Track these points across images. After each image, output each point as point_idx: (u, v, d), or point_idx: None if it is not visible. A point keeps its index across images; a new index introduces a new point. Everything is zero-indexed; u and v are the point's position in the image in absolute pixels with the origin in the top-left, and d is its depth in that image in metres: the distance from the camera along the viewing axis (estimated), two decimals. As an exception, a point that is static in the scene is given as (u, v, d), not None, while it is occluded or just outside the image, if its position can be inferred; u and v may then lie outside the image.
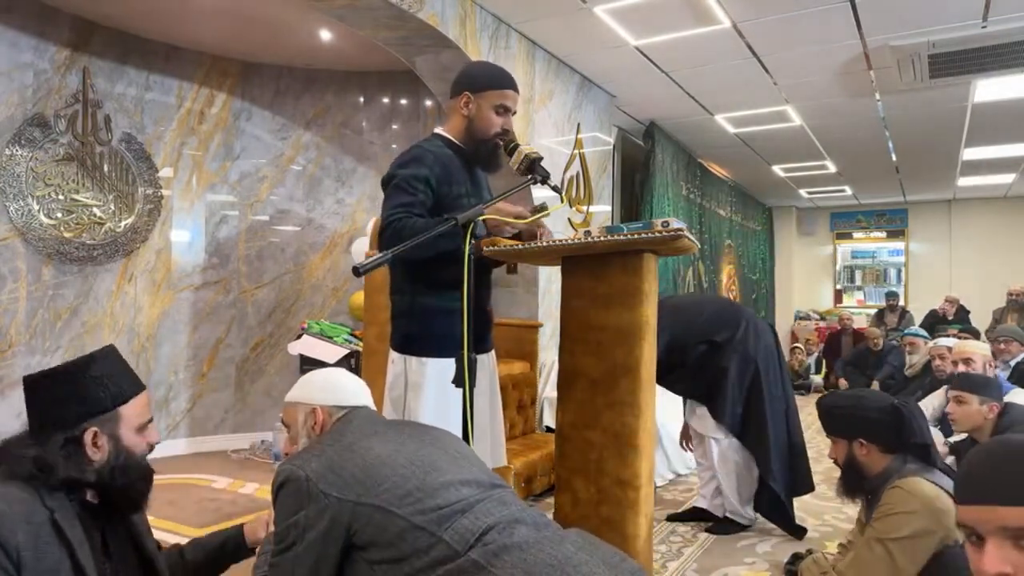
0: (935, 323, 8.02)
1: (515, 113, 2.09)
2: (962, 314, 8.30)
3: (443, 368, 1.93)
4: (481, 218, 1.78)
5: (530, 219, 1.97)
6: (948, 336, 5.68)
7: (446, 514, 1.32)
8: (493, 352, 2.19)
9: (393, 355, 2.05)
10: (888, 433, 1.97)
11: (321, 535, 1.33)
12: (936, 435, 2.84)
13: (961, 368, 3.36)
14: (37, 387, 1.41)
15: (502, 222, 1.95)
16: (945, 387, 3.64)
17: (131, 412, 1.46)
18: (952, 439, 3.12)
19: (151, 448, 1.50)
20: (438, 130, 2.13)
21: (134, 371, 1.54)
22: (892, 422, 1.97)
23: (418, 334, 2.00)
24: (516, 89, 2.08)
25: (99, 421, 1.40)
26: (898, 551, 1.79)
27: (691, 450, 3.54)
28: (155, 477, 1.53)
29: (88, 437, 1.39)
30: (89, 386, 1.41)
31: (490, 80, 2.05)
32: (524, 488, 3.73)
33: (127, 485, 1.42)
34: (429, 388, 1.96)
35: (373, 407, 1.69)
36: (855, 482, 2.03)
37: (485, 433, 2.03)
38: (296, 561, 1.34)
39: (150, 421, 1.51)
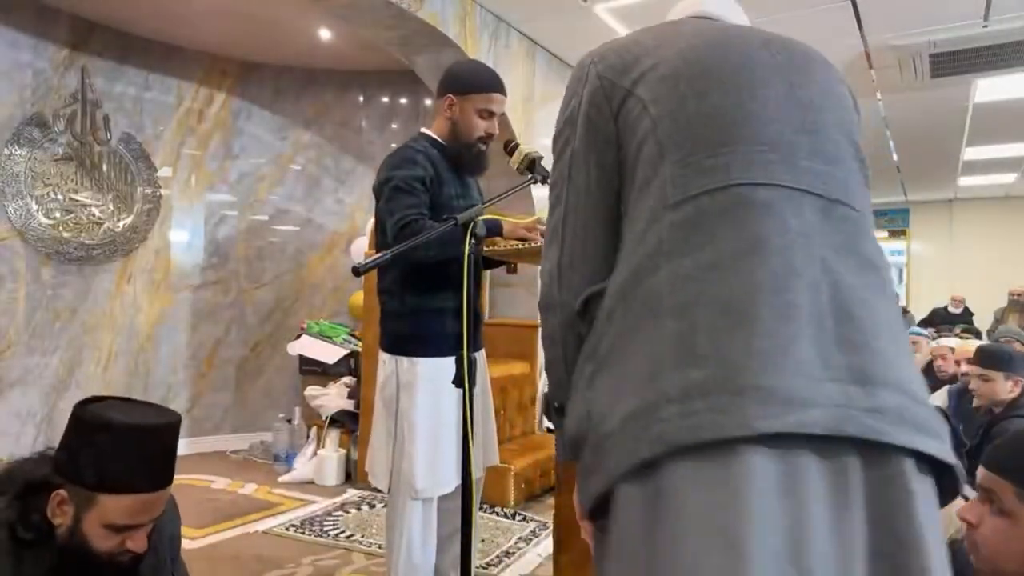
0: (937, 318, 8.00)
1: (502, 114, 2.05)
2: (966, 315, 8.30)
3: (434, 367, 1.93)
4: (484, 218, 1.76)
5: (533, 218, 1.97)
6: (952, 336, 5.67)
7: None
8: (483, 351, 2.20)
9: (383, 356, 2.04)
10: None
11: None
12: None
13: (964, 368, 3.35)
14: (72, 416, 1.26)
15: (518, 229, 1.94)
16: (947, 387, 3.63)
17: (113, 507, 1.20)
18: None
19: (127, 555, 1.24)
20: (424, 130, 2.09)
21: (169, 464, 1.32)
22: None
23: (408, 334, 1.99)
24: (503, 91, 2.03)
25: (75, 491, 1.21)
26: None
27: None
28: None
29: (55, 497, 1.22)
30: (82, 450, 1.22)
31: (474, 83, 2.00)
32: (524, 488, 3.72)
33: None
34: (421, 388, 1.95)
35: None
36: None
37: (478, 432, 2.02)
38: None
39: (140, 528, 1.25)
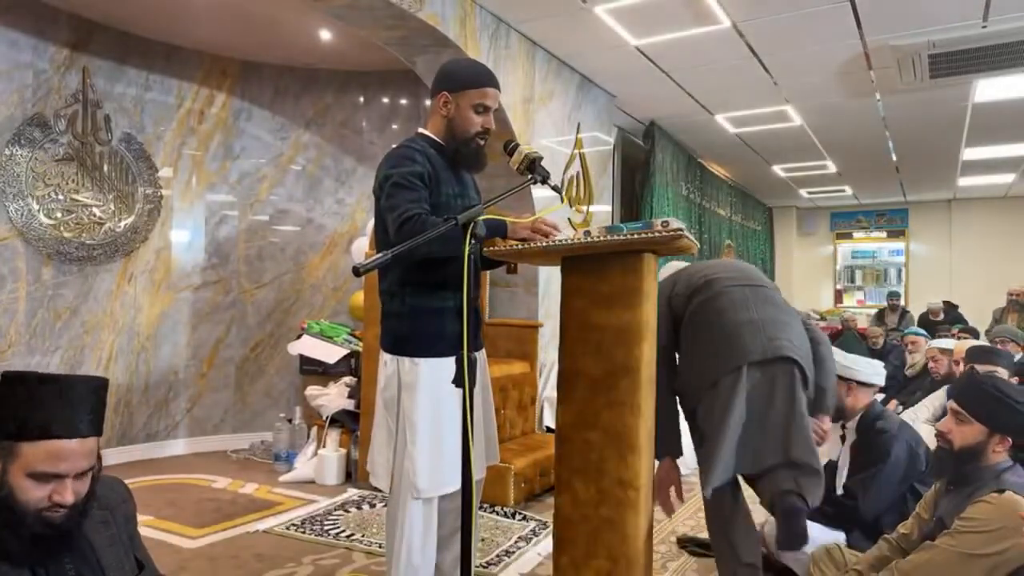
0: (928, 324, 8.01)
1: (497, 109, 2.05)
2: (953, 314, 8.30)
3: (436, 368, 1.94)
4: (485, 217, 1.76)
5: (532, 218, 1.97)
6: (949, 336, 5.68)
7: None
8: (484, 350, 2.21)
9: (385, 356, 2.04)
10: None
11: None
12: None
13: (961, 368, 3.37)
14: None
15: (527, 229, 1.95)
16: (946, 387, 3.65)
17: (33, 453, 1.23)
18: None
19: (57, 512, 1.25)
20: (421, 130, 2.09)
21: (89, 417, 1.30)
22: None
23: (410, 335, 1.99)
24: (496, 86, 2.03)
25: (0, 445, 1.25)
26: (978, 566, 1.74)
27: None
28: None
29: None
30: (2, 405, 1.25)
31: (468, 79, 2.01)
32: (524, 488, 3.73)
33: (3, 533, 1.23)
34: (423, 388, 1.95)
35: None
36: (957, 468, 1.94)
37: (479, 431, 2.03)
38: None
39: (63, 478, 1.25)
